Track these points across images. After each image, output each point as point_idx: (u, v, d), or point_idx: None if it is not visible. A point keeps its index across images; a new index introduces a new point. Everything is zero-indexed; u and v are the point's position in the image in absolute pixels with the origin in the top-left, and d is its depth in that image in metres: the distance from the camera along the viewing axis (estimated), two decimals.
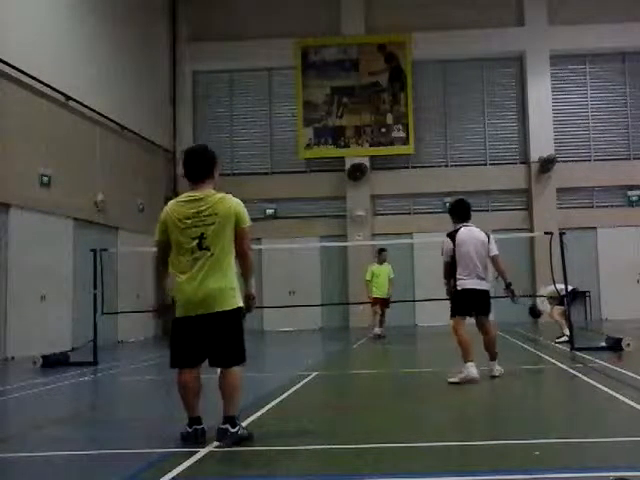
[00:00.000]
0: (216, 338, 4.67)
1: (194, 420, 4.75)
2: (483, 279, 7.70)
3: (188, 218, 4.68)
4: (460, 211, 8.07)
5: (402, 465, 4.08)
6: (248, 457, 4.45)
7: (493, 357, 7.84)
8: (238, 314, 4.76)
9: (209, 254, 4.66)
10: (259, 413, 5.86)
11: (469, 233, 7.78)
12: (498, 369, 7.80)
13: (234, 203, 4.81)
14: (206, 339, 4.68)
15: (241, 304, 4.77)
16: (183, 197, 4.81)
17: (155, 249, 4.98)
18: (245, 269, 4.87)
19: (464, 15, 21.04)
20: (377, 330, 14.61)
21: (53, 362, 10.63)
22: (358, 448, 4.55)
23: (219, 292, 4.65)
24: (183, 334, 4.74)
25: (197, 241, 4.66)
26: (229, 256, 4.74)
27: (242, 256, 4.82)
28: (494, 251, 7.85)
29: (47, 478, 4.23)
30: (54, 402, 7.49)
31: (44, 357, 10.66)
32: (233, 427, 4.62)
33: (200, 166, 4.85)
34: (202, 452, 4.46)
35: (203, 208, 4.69)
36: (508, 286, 7.90)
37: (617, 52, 21.29)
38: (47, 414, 6.57)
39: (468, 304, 7.68)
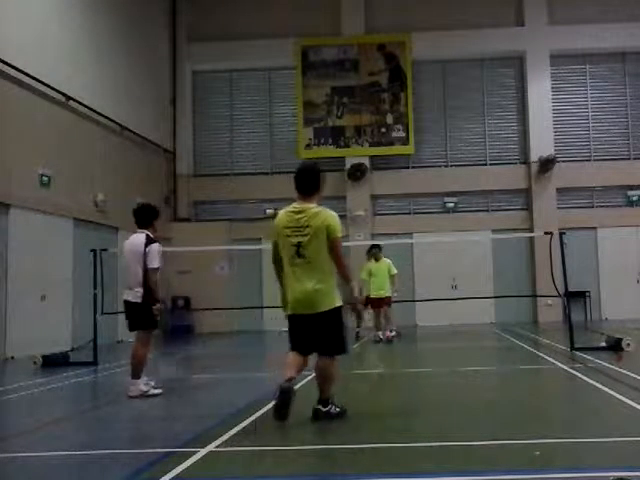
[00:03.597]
0: (318, 333, 5.38)
1: (289, 379, 5.25)
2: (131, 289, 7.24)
3: (288, 227, 5.40)
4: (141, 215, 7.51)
5: (402, 465, 4.08)
6: (248, 457, 4.45)
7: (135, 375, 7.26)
8: (337, 313, 5.40)
9: (306, 261, 5.34)
10: (259, 413, 5.85)
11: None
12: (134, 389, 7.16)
13: (327, 216, 5.42)
14: (310, 334, 5.40)
15: (339, 304, 5.42)
16: (291, 208, 5.52)
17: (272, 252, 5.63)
18: (340, 275, 5.48)
19: (464, 15, 21.05)
20: (379, 334, 13.68)
21: (53, 362, 10.61)
22: (358, 448, 4.55)
23: (317, 295, 5.33)
24: (293, 329, 5.54)
25: (296, 249, 5.36)
26: (326, 262, 5.38)
27: (335, 263, 5.43)
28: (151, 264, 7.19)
29: (47, 478, 4.22)
30: (54, 402, 7.48)
31: (44, 357, 10.64)
32: (325, 407, 5.40)
33: (309, 183, 5.56)
34: (202, 452, 4.47)
35: (301, 220, 5.38)
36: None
37: (617, 52, 21.30)
38: (47, 414, 6.56)
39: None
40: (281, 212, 5.58)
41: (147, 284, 7.15)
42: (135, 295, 7.19)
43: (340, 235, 5.43)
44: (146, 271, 7.14)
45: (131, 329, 7.39)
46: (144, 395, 7.08)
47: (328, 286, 5.38)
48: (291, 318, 5.55)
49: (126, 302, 7.29)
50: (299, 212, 5.43)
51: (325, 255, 5.37)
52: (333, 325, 5.42)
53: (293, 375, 5.32)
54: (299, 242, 5.34)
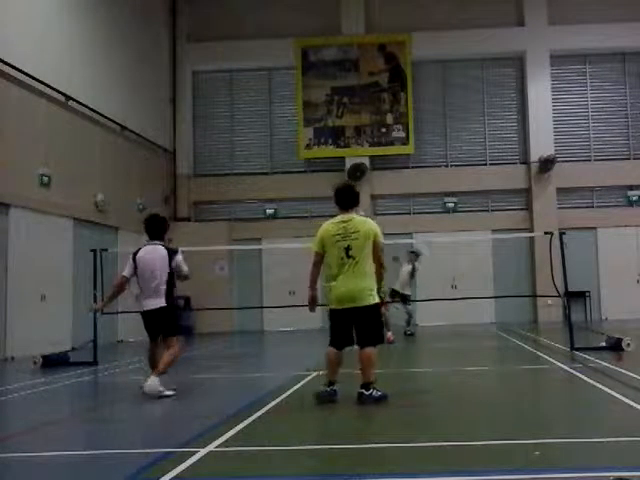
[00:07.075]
0: (360, 325, 6.28)
1: (331, 383, 6.32)
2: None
3: (338, 234, 6.30)
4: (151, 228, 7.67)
5: (402, 465, 4.08)
6: (248, 457, 4.45)
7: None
8: (376, 308, 6.33)
9: (354, 261, 6.23)
10: (259, 413, 5.86)
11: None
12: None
13: (371, 224, 6.42)
14: (354, 326, 6.30)
15: (377, 300, 6.32)
16: (336, 219, 6.44)
17: (314, 257, 6.47)
18: (378, 274, 6.40)
19: (464, 15, 21.06)
20: None
21: (53, 362, 10.62)
22: (358, 448, 4.55)
23: (362, 291, 6.21)
24: (337, 321, 6.38)
25: (345, 250, 6.24)
26: (369, 264, 6.29)
27: (377, 263, 6.36)
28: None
29: (47, 478, 4.22)
30: (54, 402, 7.49)
31: (44, 357, 10.64)
32: (367, 390, 6.15)
33: (349, 200, 6.51)
34: (202, 452, 4.46)
35: (350, 227, 6.30)
36: None
37: (617, 52, 21.31)
38: (47, 414, 6.56)
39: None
40: (325, 224, 6.49)
41: (171, 288, 7.38)
42: (160, 302, 7.27)
43: (382, 240, 6.42)
44: (169, 279, 7.35)
45: (165, 335, 7.34)
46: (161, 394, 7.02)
47: (371, 284, 6.27)
48: (336, 312, 6.34)
49: (148, 312, 7.31)
50: (346, 221, 6.36)
51: (369, 256, 6.26)
52: (375, 318, 6.33)
53: (335, 379, 6.32)
54: (349, 245, 6.22)
